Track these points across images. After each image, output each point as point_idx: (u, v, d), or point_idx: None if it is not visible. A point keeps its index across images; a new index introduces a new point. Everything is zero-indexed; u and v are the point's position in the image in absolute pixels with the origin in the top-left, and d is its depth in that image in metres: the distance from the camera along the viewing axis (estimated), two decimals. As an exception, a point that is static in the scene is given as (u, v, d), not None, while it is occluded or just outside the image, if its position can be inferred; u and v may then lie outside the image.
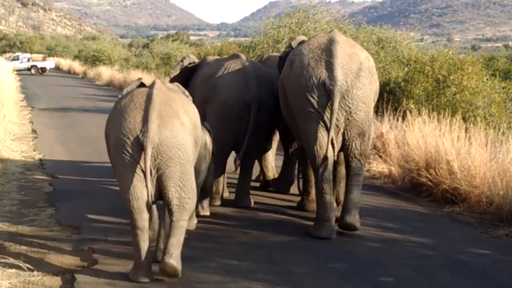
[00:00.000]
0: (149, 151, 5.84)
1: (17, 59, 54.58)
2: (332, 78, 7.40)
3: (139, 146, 5.88)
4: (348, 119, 7.57)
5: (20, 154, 13.06)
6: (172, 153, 6.00)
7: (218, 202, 9.07)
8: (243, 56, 9.14)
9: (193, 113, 6.54)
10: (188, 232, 7.65)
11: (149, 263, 6.15)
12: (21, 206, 8.89)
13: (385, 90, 15.62)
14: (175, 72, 9.62)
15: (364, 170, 8.29)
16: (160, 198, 6.20)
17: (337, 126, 7.56)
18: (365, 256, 7.04)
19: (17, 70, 52.65)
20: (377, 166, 11.96)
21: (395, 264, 6.79)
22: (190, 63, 9.68)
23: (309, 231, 7.87)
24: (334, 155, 7.74)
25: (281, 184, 10.10)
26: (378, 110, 14.00)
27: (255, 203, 9.25)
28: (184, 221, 6.15)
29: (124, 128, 5.96)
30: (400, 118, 12.95)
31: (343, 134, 7.66)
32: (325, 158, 7.55)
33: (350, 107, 7.52)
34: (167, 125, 6.00)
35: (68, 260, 6.68)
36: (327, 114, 7.49)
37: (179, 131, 6.07)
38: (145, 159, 5.84)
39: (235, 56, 9.24)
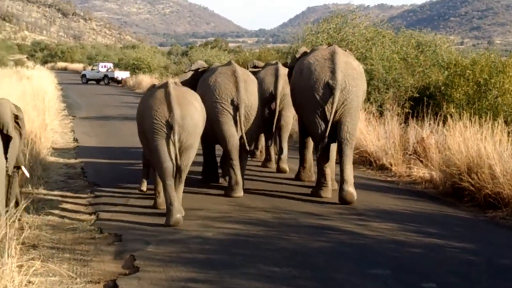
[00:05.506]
0: (176, 129, 8.35)
1: (95, 68, 55.18)
2: (334, 78, 9.63)
3: (169, 126, 8.38)
4: (344, 108, 9.70)
5: (62, 162, 13.21)
6: (191, 130, 8.53)
7: (241, 193, 10.09)
8: (234, 63, 10.50)
9: (200, 100, 9.06)
10: (227, 239, 7.69)
11: (179, 206, 8.48)
12: (63, 214, 8.99)
13: (425, 94, 15.53)
14: (186, 76, 11.10)
15: (353, 148, 10.02)
16: None
17: (336, 113, 9.65)
18: (407, 262, 6.97)
19: (93, 80, 53.07)
20: (418, 171, 11.87)
21: (437, 270, 6.72)
22: (198, 68, 11.16)
23: (312, 192, 10.24)
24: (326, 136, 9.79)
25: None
26: (418, 114, 13.91)
27: (294, 210, 9.26)
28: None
29: (157, 116, 8.44)
30: (440, 123, 12.84)
31: (339, 120, 9.73)
32: (323, 137, 9.76)
33: (346, 99, 9.69)
34: (186, 110, 8.54)
35: (109, 268, 6.73)
36: (328, 106, 9.66)
37: (194, 113, 8.65)
38: (173, 134, 8.36)
39: (228, 63, 10.58)
